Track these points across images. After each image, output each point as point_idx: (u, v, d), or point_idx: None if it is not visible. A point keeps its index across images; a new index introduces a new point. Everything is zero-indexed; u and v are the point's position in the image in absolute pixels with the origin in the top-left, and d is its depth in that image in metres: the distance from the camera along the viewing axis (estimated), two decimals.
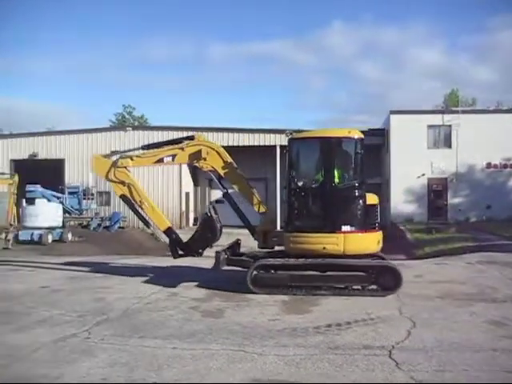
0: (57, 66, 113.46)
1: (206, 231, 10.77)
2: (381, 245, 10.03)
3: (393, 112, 33.21)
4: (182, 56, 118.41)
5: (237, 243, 11.45)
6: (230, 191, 11.09)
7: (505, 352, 6.16)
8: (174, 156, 11.08)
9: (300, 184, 9.91)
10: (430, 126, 32.75)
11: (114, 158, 11.62)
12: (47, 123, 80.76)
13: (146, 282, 11.27)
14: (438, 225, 28.87)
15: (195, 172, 36.07)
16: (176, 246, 11.09)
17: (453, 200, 32.59)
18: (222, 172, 10.85)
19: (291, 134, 10.21)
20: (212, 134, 33.35)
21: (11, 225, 23.12)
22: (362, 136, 9.85)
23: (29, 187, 25.75)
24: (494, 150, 31.36)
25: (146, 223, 11.65)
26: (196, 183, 38.27)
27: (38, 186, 26.23)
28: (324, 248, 9.46)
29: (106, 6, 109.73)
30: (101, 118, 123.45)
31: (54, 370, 5.74)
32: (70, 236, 26.03)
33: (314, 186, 9.98)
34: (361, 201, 9.64)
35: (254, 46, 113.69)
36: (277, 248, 10.49)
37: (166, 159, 11.15)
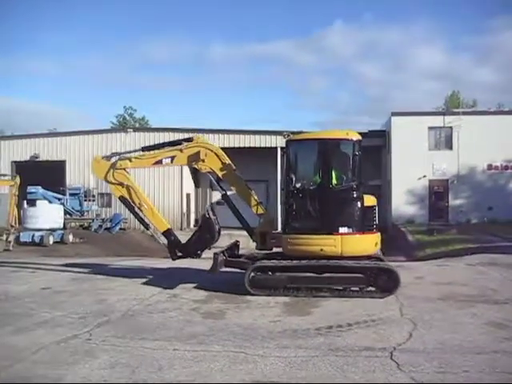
0: (57, 67, 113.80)
1: (205, 233, 10.76)
2: (379, 246, 10.03)
3: (394, 113, 33.23)
4: (183, 57, 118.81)
5: (235, 245, 11.45)
6: (228, 193, 11.09)
7: (506, 354, 6.16)
8: (172, 157, 11.07)
9: (298, 186, 9.90)
10: (431, 128, 32.77)
11: (114, 159, 11.63)
12: (48, 125, 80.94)
13: (146, 283, 11.27)
14: (439, 226, 28.85)
15: (196, 173, 36.06)
16: (175, 248, 11.09)
17: (454, 201, 32.59)
18: (220, 173, 10.85)
19: (289, 135, 10.23)
20: (213, 136, 33.41)
21: (12, 226, 23.06)
22: (360, 137, 9.85)
23: (30, 188, 25.75)
24: (495, 152, 31.37)
25: (145, 225, 11.64)
26: (197, 184, 38.26)
27: (39, 187, 26.23)
28: (321, 250, 9.46)
29: (107, 6, 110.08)
30: (102, 119, 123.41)
31: (55, 371, 5.75)
32: (71, 237, 26.04)
33: (311, 187, 9.97)
34: (358, 202, 9.63)
35: (254, 46, 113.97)
36: (275, 250, 10.49)
37: (164, 161, 11.14)
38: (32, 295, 10.11)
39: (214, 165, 10.81)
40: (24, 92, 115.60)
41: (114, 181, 11.36)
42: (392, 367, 5.72)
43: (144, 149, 11.71)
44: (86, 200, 31.64)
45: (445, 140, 32.87)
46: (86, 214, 31.89)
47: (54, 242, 24.76)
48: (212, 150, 10.87)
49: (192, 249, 10.90)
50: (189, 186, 37.01)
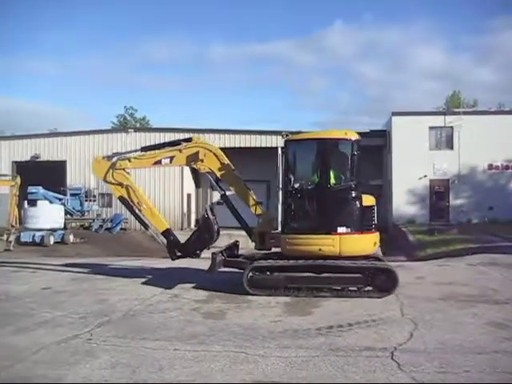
0: (57, 67, 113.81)
1: (203, 233, 10.79)
2: (377, 246, 10.02)
3: (394, 113, 33.23)
4: (183, 57, 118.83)
5: (235, 245, 11.46)
6: (228, 193, 11.10)
7: (507, 354, 6.15)
8: (171, 158, 11.08)
9: (296, 185, 9.91)
10: (431, 128, 32.77)
11: (114, 159, 11.64)
12: (49, 125, 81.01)
13: (147, 283, 11.27)
14: (440, 226, 28.86)
15: (197, 173, 36.05)
16: (174, 248, 11.11)
17: (455, 201, 32.58)
18: (218, 174, 10.87)
19: (287, 135, 10.25)
20: (213, 136, 33.41)
21: (13, 226, 23.10)
22: (359, 137, 9.84)
23: (30, 189, 25.79)
24: (495, 152, 31.37)
25: (145, 225, 11.66)
26: (198, 185, 38.26)
27: (40, 187, 26.28)
28: (320, 249, 9.46)
29: (107, 6, 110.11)
30: (102, 119, 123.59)
31: (56, 371, 5.75)
32: (71, 237, 26.07)
33: (310, 187, 9.98)
34: (357, 202, 9.62)
35: (254, 46, 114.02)
36: (274, 249, 10.49)
37: (163, 161, 11.15)
38: (33, 295, 10.12)
39: (213, 165, 10.82)
40: (24, 92, 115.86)
41: (113, 181, 11.38)
42: (393, 367, 5.72)
43: (143, 149, 11.73)
44: (86, 200, 31.66)
45: (445, 140, 32.87)
46: (86, 214, 31.92)
47: (55, 242, 24.80)
48: (211, 150, 10.89)
49: (191, 249, 10.92)
50: (189, 186, 37.02)
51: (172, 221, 30.93)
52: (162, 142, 12.62)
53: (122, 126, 52.74)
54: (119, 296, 9.88)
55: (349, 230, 9.48)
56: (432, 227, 28.29)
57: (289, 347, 6.54)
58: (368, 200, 9.88)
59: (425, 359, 5.95)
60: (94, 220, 31.09)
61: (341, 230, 9.46)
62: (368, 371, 5.62)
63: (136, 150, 11.93)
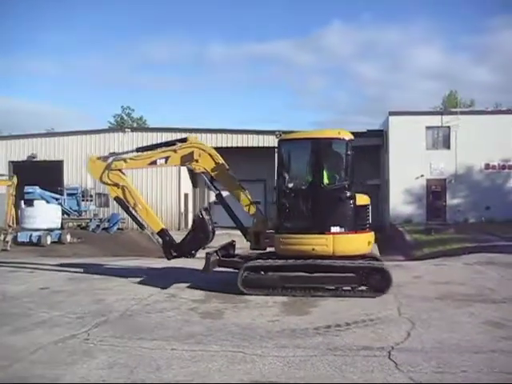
0: (57, 67, 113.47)
1: (198, 233, 10.81)
2: (372, 246, 10.00)
3: (391, 113, 33.28)
4: (183, 57, 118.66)
5: (231, 244, 11.48)
6: (224, 193, 11.12)
7: (504, 353, 6.16)
8: (167, 158, 11.11)
9: (290, 185, 9.91)
10: (428, 127, 32.84)
11: (110, 160, 11.67)
12: (46, 124, 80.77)
13: (144, 283, 11.26)
14: (437, 226, 28.91)
15: (194, 173, 36.01)
16: (169, 248, 11.14)
17: (452, 201, 32.66)
18: (213, 173, 10.90)
19: (281, 134, 10.25)
20: (210, 136, 33.45)
21: (10, 226, 23.04)
22: (352, 137, 9.83)
23: (27, 188, 25.70)
24: (492, 151, 31.46)
25: (141, 225, 11.69)
26: (195, 184, 38.26)
27: (37, 187, 26.19)
28: (313, 249, 9.47)
29: (107, 6, 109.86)
30: (102, 119, 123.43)
31: (53, 371, 5.74)
32: (68, 237, 25.98)
33: (303, 187, 10.01)
34: (350, 202, 9.61)
35: (253, 46, 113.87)
36: (269, 249, 10.49)
37: (159, 161, 11.19)
38: (30, 295, 10.10)
39: (208, 165, 10.85)
40: (24, 92, 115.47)
41: (109, 181, 11.42)
42: (390, 367, 5.72)
43: (139, 149, 11.77)
44: (83, 200, 31.55)
45: (442, 139, 32.94)
46: (83, 213, 31.82)
47: (52, 242, 24.71)
48: (205, 151, 10.92)
49: (186, 248, 10.96)
50: (187, 186, 37.01)
51: (169, 221, 31.10)
52: (159, 141, 12.69)
53: (119, 126, 52.66)
54: (116, 296, 9.87)
55: (342, 229, 9.48)
56: (429, 227, 28.35)
57: (286, 347, 6.54)
58: (362, 199, 9.86)
59: (422, 359, 5.96)
60: (91, 220, 30.98)
61: (334, 229, 9.46)
62: (366, 371, 5.63)
63: (132, 151, 11.95)
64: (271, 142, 33.46)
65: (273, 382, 5.41)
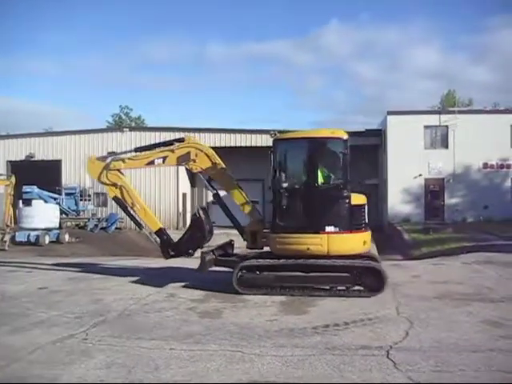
0: (57, 67, 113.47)
1: (195, 232, 10.85)
2: (368, 245, 9.95)
3: (390, 112, 33.28)
4: (183, 57, 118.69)
5: (229, 244, 11.49)
6: (222, 192, 11.14)
7: (502, 352, 6.17)
8: (164, 158, 11.15)
9: (284, 185, 9.89)
10: (426, 127, 32.86)
11: (108, 160, 11.71)
12: (46, 124, 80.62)
13: (142, 283, 11.25)
14: (435, 225, 28.96)
15: (192, 173, 35.97)
16: (167, 247, 11.18)
17: (450, 200, 32.69)
18: (210, 173, 10.94)
19: (275, 134, 10.23)
20: (209, 135, 33.44)
21: (8, 226, 23.03)
22: (347, 136, 9.78)
23: (25, 188, 25.70)
24: (490, 151, 31.48)
25: (139, 225, 11.72)
26: (193, 184, 38.23)
27: (35, 186, 26.19)
28: (308, 249, 9.45)
29: (107, 6, 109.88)
30: (100, 119, 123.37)
31: (51, 371, 5.73)
32: (66, 237, 25.98)
33: (298, 186, 10.00)
34: (345, 201, 9.57)
35: (253, 46, 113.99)
36: (266, 248, 10.49)
37: (156, 161, 11.22)
38: (28, 295, 10.09)
39: (205, 165, 10.88)
40: (24, 92, 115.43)
41: (107, 181, 11.47)
42: (389, 366, 5.73)
43: (137, 149, 11.81)
44: (81, 199, 31.57)
45: (440, 139, 32.96)
46: (81, 213, 31.83)
47: (50, 242, 24.71)
48: (202, 150, 10.94)
49: (184, 248, 11.00)
50: (185, 185, 36.99)
51: (167, 220, 31.06)
52: (157, 141, 12.73)
53: (117, 126, 52.61)
54: (115, 296, 9.86)
55: (337, 229, 9.44)
56: (427, 226, 28.39)
57: (285, 346, 6.54)
58: (357, 199, 9.82)
59: (420, 358, 5.97)
60: (89, 219, 31.00)
61: (329, 229, 9.42)
62: (364, 370, 5.63)
63: (130, 151, 11.99)
64: (269, 141, 33.38)
65: (271, 381, 5.40)
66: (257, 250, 10.58)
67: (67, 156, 36.03)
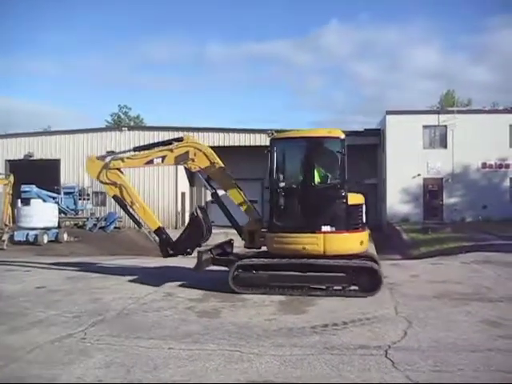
0: (57, 67, 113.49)
1: (193, 231, 10.90)
2: (365, 245, 9.91)
3: (388, 112, 33.27)
4: (183, 57, 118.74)
5: (229, 243, 11.50)
6: (219, 192, 11.17)
7: (500, 352, 6.17)
8: (163, 157, 11.19)
9: (281, 184, 9.89)
10: (425, 126, 32.87)
11: (108, 159, 11.79)
12: (44, 124, 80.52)
13: (141, 282, 11.24)
14: (434, 225, 28.96)
15: (191, 172, 35.95)
16: (166, 246, 11.23)
17: (448, 200, 32.70)
18: (209, 172, 10.96)
19: (272, 133, 10.22)
20: (208, 135, 33.43)
21: (6, 225, 23.03)
22: (343, 136, 9.76)
23: (24, 187, 25.65)
24: (489, 150, 31.50)
25: (138, 223, 11.76)
26: (192, 183, 38.23)
27: (34, 186, 26.14)
28: (304, 248, 9.45)
29: (107, 6, 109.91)
30: (100, 119, 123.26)
31: (50, 370, 5.72)
32: (65, 236, 25.97)
33: (294, 186, 9.99)
34: (342, 201, 9.54)
35: (253, 46, 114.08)
36: (264, 248, 10.49)
37: (155, 161, 11.27)
38: (26, 294, 10.07)
39: (203, 164, 10.91)
40: (24, 92, 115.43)
41: (107, 180, 11.55)
42: (387, 366, 5.73)
43: (136, 149, 11.85)
44: (80, 199, 31.51)
45: (439, 138, 32.97)
46: (80, 212, 31.78)
47: (49, 241, 24.70)
48: (201, 150, 10.96)
49: (182, 247, 11.05)
50: (184, 184, 36.99)
51: (166, 219, 31.01)
52: (156, 140, 12.78)
53: (116, 125, 52.57)
54: (113, 295, 9.85)
55: (333, 228, 9.42)
56: (426, 226, 28.38)
57: (283, 346, 6.54)
58: (355, 198, 9.80)
59: (419, 357, 5.97)
60: (87, 219, 30.98)
61: (325, 228, 9.41)
62: (363, 370, 5.63)
63: (129, 150, 12.05)
64: (268, 140, 33.45)
65: (270, 381, 5.40)
66: (255, 250, 10.59)
67: (66, 155, 36.01)
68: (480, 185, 32.15)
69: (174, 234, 11.54)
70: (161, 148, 11.32)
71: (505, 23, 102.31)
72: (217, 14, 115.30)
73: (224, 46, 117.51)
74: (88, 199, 32.72)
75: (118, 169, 11.52)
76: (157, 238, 11.37)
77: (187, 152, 10.90)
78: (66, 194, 30.73)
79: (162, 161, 11.24)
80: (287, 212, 9.81)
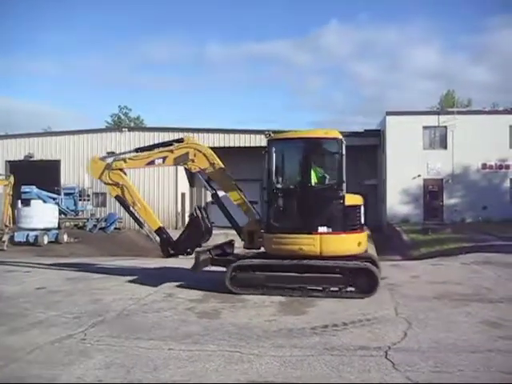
0: (57, 67, 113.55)
1: (193, 231, 10.97)
2: (363, 246, 9.90)
3: (389, 113, 33.27)
4: (183, 57, 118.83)
5: (229, 243, 11.52)
6: (219, 192, 11.20)
7: (501, 352, 6.17)
8: (164, 158, 11.29)
9: (278, 185, 9.89)
10: (425, 127, 32.88)
11: (109, 160, 11.92)
12: (44, 124, 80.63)
13: (141, 283, 11.24)
14: (434, 225, 28.95)
15: (191, 173, 35.99)
16: (167, 246, 11.30)
17: (448, 201, 32.69)
18: (208, 173, 11.02)
19: (270, 134, 10.23)
20: (208, 136, 33.44)
21: (6, 226, 23.04)
22: (340, 136, 9.77)
23: (24, 188, 25.66)
24: (489, 151, 31.50)
25: (140, 223, 11.90)
26: (192, 184, 38.25)
27: (34, 186, 26.15)
28: (301, 249, 9.44)
29: (107, 6, 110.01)
30: (99, 120, 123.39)
31: (50, 371, 5.73)
32: (65, 237, 25.97)
33: (292, 186, 10.00)
34: (339, 202, 9.52)
35: (252, 46, 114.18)
36: (263, 249, 10.50)
37: (156, 161, 11.38)
38: (26, 295, 10.08)
39: (203, 165, 10.96)
40: (24, 92, 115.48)
41: (110, 181, 11.70)
42: (387, 366, 5.72)
43: (138, 150, 11.98)
44: (80, 199, 31.52)
45: (439, 139, 32.97)
46: (80, 213, 31.79)
47: (49, 242, 24.69)
48: (201, 151, 11.03)
49: (182, 247, 11.12)
50: (184, 185, 37.02)
51: (166, 220, 30.99)
52: (156, 141, 12.91)
53: (116, 126, 52.59)
54: (113, 296, 9.85)
55: (330, 229, 9.40)
56: (426, 226, 28.38)
57: (283, 346, 6.54)
58: (352, 199, 9.78)
59: (419, 358, 5.97)
60: (88, 219, 30.97)
61: (321, 229, 9.38)
62: (363, 371, 5.63)
63: (131, 151, 12.20)
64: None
65: (270, 381, 5.40)
66: (254, 250, 10.60)
67: (66, 156, 36.04)
68: (480, 185, 32.15)
69: (174, 235, 11.57)
70: (161, 149, 11.43)
71: (505, 23, 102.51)
72: (216, 14, 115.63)
73: (224, 46, 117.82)
74: (88, 200, 32.72)
75: (121, 169, 11.65)
76: (158, 238, 11.46)
77: (187, 153, 10.98)
78: (66, 194, 30.74)
79: (163, 161, 11.36)
80: (284, 213, 9.82)
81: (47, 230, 25.01)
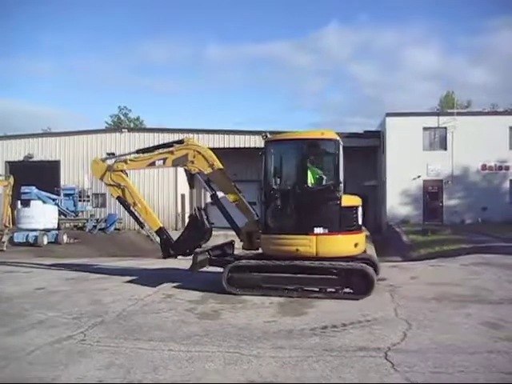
0: (57, 69, 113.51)
1: (192, 232, 11.02)
2: (361, 247, 9.88)
3: (388, 114, 33.30)
4: (182, 58, 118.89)
5: (230, 244, 11.55)
6: (218, 193, 11.23)
7: (500, 354, 6.17)
8: (164, 159, 11.39)
9: (275, 186, 9.90)
10: (425, 128, 32.91)
11: (112, 161, 12.05)
12: (44, 125, 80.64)
13: (141, 284, 11.24)
14: (434, 226, 28.95)
15: (191, 174, 35.96)
16: (167, 246, 11.39)
17: (448, 202, 32.71)
18: (208, 174, 11.07)
19: (267, 135, 10.24)
20: (208, 137, 33.47)
21: (6, 226, 23.05)
22: (337, 137, 9.78)
23: (24, 189, 25.68)
24: (489, 152, 31.53)
25: (140, 224, 12.01)
26: (192, 185, 38.25)
27: (33, 187, 26.17)
28: (297, 250, 9.43)
29: (106, 8, 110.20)
30: (99, 121, 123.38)
31: (50, 372, 5.72)
32: (65, 238, 25.99)
33: (288, 187, 9.98)
34: (335, 202, 9.50)
35: (251, 47, 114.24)
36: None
37: (157, 162, 11.52)
38: (26, 296, 10.07)
39: (202, 166, 11.04)
40: (23, 93, 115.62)
41: (111, 182, 11.88)
42: (387, 367, 5.72)
43: (139, 151, 12.07)
44: (80, 200, 31.55)
45: (439, 140, 33.00)
46: (80, 214, 31.81)
47: (49, 243, 24.72)
48: (200, 152, 11.10)
49: (182, 247, 11.19)
50: (183, 186, 37.03)
51: (166, 221, 30.95)
52: (155, 142, 13.04)
53: (116, 126, 52.59)
54: (113, 296, 9.85)
55: (326, 230, 9.38)
56: (425, 227, 28.39)
57: (283, 347, 6.54)
58: (349, 200, 9.75)
59: (419, 359, 5.96)
60: (87, 220, 30.99)
61: (317, 230, 9.37)
62: (362, 371, 5.63)
63: (131, 153, 12.30)
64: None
65: (269, 382, 5.40)
66: (253, 251, 10.60)
67: (66, 157, 36.04)
68: (480, 187, 32.18)
69: (174, 236, 11.59)
70: (162, 150, 11.51)
71: (504, 24, 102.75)
72: (216, 15, 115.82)
73: (223, 48, 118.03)
74: (88, 201, 32.75)
75: (122, 170, 11.78)
76: (158, 238, 11.51)
77: (187, 154, 11.07)
78: (65, 195, 30.80)
79: (164, 163, 11.46)
80: (281, 213, 9.80)
81: (47, 230, 25.03)
